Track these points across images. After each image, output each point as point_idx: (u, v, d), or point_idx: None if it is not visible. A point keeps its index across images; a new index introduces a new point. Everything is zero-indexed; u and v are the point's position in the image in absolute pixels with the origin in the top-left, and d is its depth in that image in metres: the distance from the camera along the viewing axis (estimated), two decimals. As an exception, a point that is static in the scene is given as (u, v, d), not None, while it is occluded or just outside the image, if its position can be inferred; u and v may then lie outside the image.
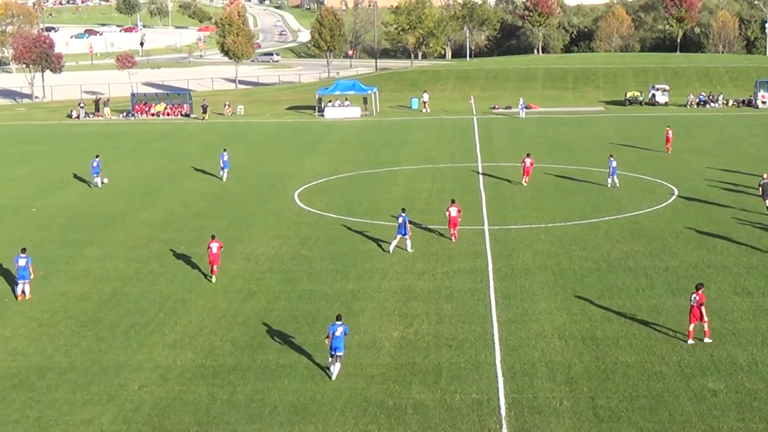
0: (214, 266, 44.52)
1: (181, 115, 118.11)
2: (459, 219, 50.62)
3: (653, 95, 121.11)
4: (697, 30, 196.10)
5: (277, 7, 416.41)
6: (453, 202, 51.42)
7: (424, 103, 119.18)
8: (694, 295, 35.26)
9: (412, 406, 30.20)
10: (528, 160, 65.82)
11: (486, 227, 53.06)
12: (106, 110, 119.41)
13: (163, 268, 46.74)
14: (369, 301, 40.65)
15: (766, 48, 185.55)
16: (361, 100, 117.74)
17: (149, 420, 29.66)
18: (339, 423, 29.14)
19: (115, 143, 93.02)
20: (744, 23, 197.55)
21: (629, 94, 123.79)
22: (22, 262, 42.38)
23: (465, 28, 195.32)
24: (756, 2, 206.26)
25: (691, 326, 35.14)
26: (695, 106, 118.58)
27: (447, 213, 50.67)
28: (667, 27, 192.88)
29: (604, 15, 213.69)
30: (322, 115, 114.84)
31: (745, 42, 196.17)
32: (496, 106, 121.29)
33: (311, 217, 57.23)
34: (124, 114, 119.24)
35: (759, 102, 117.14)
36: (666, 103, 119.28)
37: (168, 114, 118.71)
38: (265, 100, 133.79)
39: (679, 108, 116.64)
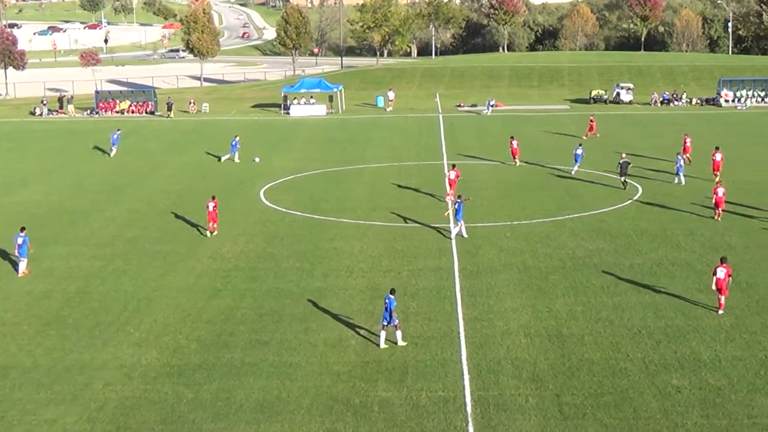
0: (212, 223, 51.58)
1: (146, 112, 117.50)
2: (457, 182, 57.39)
3: (618, 94, 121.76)
4: (661, 29, 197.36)
5: (242, 5, 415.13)
6: (453, 166, 59.45)
7: (389, 101, 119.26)
8: (720, 268, 37.52)
9: (378, 403, 30.20)
10: (515, 142, 71.81)
11: (452, 225, 53.05)
12: (70, 108, 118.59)
13: (128, 266, 46.48)
14: (335, 299, 40.60)
15: (729, 47, 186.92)
16: (326, 98, 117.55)
17: (114, 419, 29.47)
18: (305, 421, 29.09)
19: (79, 141, 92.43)
20: (707, 22, 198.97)
21: (594, 93, 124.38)
22: (19, 240, 45.26)
23: (431, 26, 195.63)
24: (719, 1, 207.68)
25: (723, 298, 37.71)
26: (659, 105, 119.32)
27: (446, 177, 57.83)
28: (631, 26, 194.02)
29: (569, 13, 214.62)
30: (288, 113, 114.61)
31: (709, 41, 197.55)
32: (462, 104, 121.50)
33: (277, 214, 57.11)
34: (88, 111, 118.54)
35: (722, 101, 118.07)
36: (630, 102, 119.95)
37: (132, 111, 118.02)
38: (231, 98, 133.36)
39: (644, 106, 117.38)
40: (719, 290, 37.84)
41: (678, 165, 63.97)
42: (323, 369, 33.00)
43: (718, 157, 63.61)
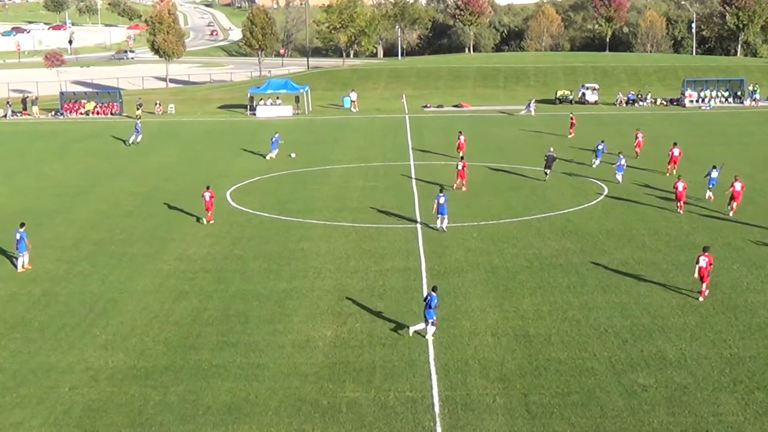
0: (209, 212, 54.81)
1: (111, 113, 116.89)
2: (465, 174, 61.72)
3: (583, 94, 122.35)
4: (625, 29, 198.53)
5: (207, 5, 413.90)
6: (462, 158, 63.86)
7: (353, 102, 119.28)
8: (703, 258, 39.28)
9: (346, 404, 30.20)
10: (462, 137, 76.13)
11: (419, 225, 53.18)
12: (35, 109, 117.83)
13: (94, 268, 46.22)
14: (302, 300, 40.56)
15: (693, 47, 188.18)
16: (293, 98, 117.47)
17: (80, 422, 29.31)
18: (273, 423, 29.05)
19: (44, 142, 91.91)
20: (671, 23, 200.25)
21: (559, 93, 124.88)
22: (17, 236, 46.25)
23: (397, 26, 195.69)
24: (683, 2, 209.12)
25: (704, 286, 39.43)
26: (624, 105, 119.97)
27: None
28: (596, 26, 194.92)
29: (535, 14, 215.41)
30: (254, 114, 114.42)
31: (673, 41, 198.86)
32: (428, 105, 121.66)
33: (244, 216, 56.97)
34: (53, 113, 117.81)
35: (686, 101, 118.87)
36: (596, 102, 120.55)
37: (98, 113, 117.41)
38: (197, 99, 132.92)
39: (609, 107, 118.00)
40: (701, 278, 39.49)
41: (619, 164, 64.60)
42: (291, 370, 32.96)
43: (676, 152, 67.17)
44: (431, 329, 35.61)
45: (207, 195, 54.98)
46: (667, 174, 66.29)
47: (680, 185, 55.69)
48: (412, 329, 36.03)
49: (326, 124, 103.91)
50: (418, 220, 54.51)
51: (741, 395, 30.36)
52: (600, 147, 71.54)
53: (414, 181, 66.90)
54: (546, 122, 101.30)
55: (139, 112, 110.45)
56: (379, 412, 29.64)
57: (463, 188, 62.82)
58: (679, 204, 55.70)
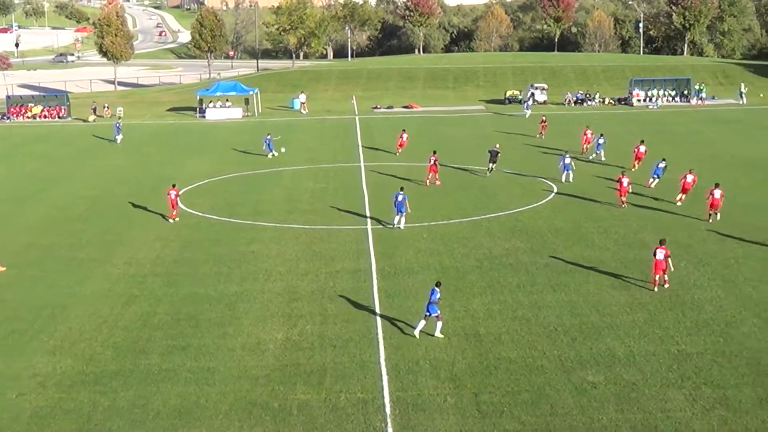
0: (173, 210, 55.40)
1: (59, 117, 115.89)
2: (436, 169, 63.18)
3: (532, 94, 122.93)
4: (573, 29, 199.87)
5: (156, 8, 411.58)
6: (434, 152, 65.40)
7: (302, 103, 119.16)
8: (659, 250, 40.36)
9: (297, 406, 30.14)
10: (405, 135, 79.35)
11: (369, 227, 53.22)
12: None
13: (43, 273, 45.79)
14: (253, 303, 40.43)
15: (640, 47, 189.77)
16: (242, 100, 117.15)
17: (28, 429, 29.01)
18: (223, 426, 28.93)
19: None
20: (619, 23, 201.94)
21: (509, 93, 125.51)
22: None
23: (346, 28, 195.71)
24: (630, 2, 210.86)
25: (657, 277, 40.69)
26: (573, 105, 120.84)
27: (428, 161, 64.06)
28: (544, 27, 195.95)
29: (484, 15, 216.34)
30: (203, 117, 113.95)
31: (620, 41, 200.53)
32: (378, 106, 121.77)
33: (194, 219, 56.69)
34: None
35: (634, 100, 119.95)
36: (545, 102, 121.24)
37: (45, 116, 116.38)
38: (145, 102, 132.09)
39: (558, 106, 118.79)
40: (657, 270, 40.71)
41: (562, 163, 65.13)
42: (241, 373, 32.85)
43: (642, 149, 69.13)
44: (439, 324, 35.74)
45: (173, 193, 55.66)
46: (632, 169, 67.36)
47: (625, 180, 56.97)
48: (417, 330, 35.91)
49: (276, 126, 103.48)
50: (369, 221, 54.53)
51: (689, 391, 30.66)
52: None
53: (364, 182, 66.94)
54: (496, 123, 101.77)
55: (120, 112, 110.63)
56: (330, 413, 29.61)
57: (437, 182, 64.61)
58: (621, 199, 56.84)
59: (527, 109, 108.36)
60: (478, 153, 75.96)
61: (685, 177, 57.00)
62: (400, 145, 79.41)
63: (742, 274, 43.18)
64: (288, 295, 41.44)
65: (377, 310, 38.95)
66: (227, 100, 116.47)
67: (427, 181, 64.74)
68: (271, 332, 36.79)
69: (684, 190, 56.87)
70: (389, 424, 28.77)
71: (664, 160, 63.22)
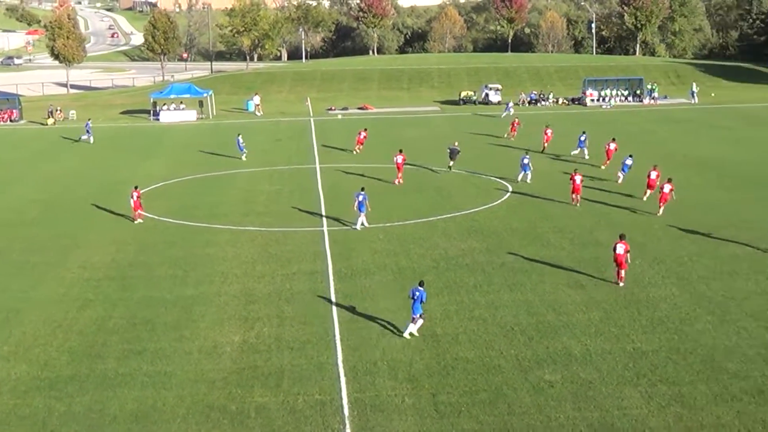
0: (137, 212, 55.73)
1: (10, 120, 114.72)
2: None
3: (486, 95, 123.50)
4: (527, 30, 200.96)
5: (108, 10, 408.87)
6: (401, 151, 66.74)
7: (257, 105, 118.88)
8: (619, 244, 41.26)
9: (254, 409, 30.04)
10: (363, 133, 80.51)
11: (325, 228, 53.18)
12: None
13: (-5, 278, 45.37)
14: (209, 306, 40.24)
15: (593, 47, 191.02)
16: (196, 103, 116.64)
17: (-17, 436, 28.77)
18: (181, 430, 28.76)
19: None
20: (571, 23, 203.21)
21: (463, 94, 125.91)
22: None
23: (300, 29, 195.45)
24: (583, 3, 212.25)
25: (623, 272, 41.39)
26: (527, 105, 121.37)
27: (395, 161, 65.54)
28: (498, 28, 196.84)
29: (437, 16, 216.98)
30: (158, 119, 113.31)
31: (573, 42, 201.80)
32: (333, 108, 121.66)
33: (148, 222, 56.33)
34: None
35: (587, 100, 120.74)
36: (499, 102, 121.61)
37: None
38: (98, 105, 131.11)
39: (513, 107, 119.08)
40: (618, 265, 41.44)
41: (523, 163, 65.40)
42: (198, 377, 32.69)
43: (613, 146, 70.70)
44: (419, 323, 35.84)
45: (135, 195, 55.86)
46: (603, 167, 69.40)
47: (578, 178, 57.55)
48: (407, 332, 35.95)
49: (231, 128, 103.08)
50: (325, 222, 54.49)
51: (644, 388, 30.89)
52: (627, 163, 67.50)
53: (320, 183, 66.88)
54: (451, 124, 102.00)
55: (73, 115, 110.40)
56: (288, 416, 29.54)
57: (399, 181, 65.75)
58: (573, 196, 57.50)
59: (507, 110, 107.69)
60: (435, 153, 76.10)
61: (649, 174, 58.29)
62: (360, 143, 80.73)
63: (695, 272, 43.59)
64: (244, 297, 41.30)
65: (334, 312, 38.92)
66: (181, 102, 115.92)
67: (397, 180, 65.68)
68: (228, 335, 36.65)
69: (650, 186, 58.01)
70: (347, 426, 28.75)
71: (631, 156, 64.91)
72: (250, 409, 30.05)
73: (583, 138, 75.74)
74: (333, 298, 40.70)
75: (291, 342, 35.71)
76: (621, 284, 41.33)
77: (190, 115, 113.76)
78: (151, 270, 46.03)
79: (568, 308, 38.86)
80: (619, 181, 63.49)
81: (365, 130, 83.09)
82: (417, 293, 35.67)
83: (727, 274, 43.31)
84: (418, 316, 35.59)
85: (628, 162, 64.24)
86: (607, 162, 69.80)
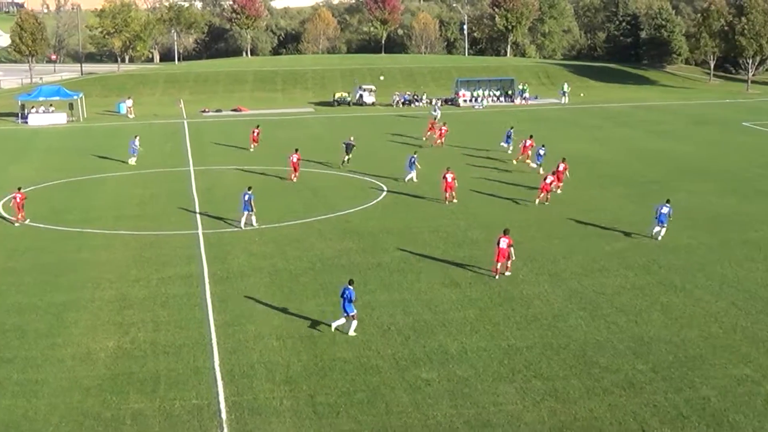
0: (20, 213, 55.46)
1: None
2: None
3: (360, 96, 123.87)
4: (400, 32, 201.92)
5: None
6: (296, 150, 67.91)
7: (129, 108, 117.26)
8: (503, 239, 42.60)
9: (130, 416, 29.60)
10: (257, 131, 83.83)
11: (200, 231, 52.71)
12: None
13: None
14: (82, 312, 39.49)
15: (465, 48, 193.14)
16: (66, 105, 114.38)
17: None
18: (54, 439, 28.25)
19: None
20: (444, 25, 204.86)
21: (337, 95, 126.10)
22: None
23: (172, 31, 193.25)
24: (454, 5, 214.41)
25: (499, 265, 42.84)
26: (401, 106, 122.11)
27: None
28: (371, 29, 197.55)
29: (311, 17, 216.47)
30: (26, 122, 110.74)
31: (446, 43, 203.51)
32: (206, 110, 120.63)
33: (17, 227, 55.02)
34: None
35: (460, 100, 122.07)
36: (373, 103, 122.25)
37: None
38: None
39: (386, 107, 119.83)
40: (499, 258, 42.89)
41: (409, 162, 65.82)
42: (72, 384, 32.07)
43: (529, 143, 73.65)
44: (354, 324, 35.93)
45: (18, 197, 55.69)
46: (515, 162, 73.21)
47: (449, 176, 58.58)
48: (334, 325, 36.19)
49: (103, 131, 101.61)
50: (200, 225, 54.02)
51: (519, 384, 31.38)
52: (541, 152, 70.27)
53: (194, 185, 66.25)
54: (325, 125, 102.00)
55: None
56: (164, 422, 29.19)
57: (294, 178, 66.72)
58: (446, 195, 58.64)
59: (436, 111, 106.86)
60: (309, 155, 75.97)
61: (558, 166, 61.92)
62: (254, 141, 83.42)
63: (567, 269, 44.46)
64: (119, 302, 40.67)
65: (210, 315, 38.62)
66: (50, 105, 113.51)
67: (293, 177, 66.77)
68: (102, 341, 36.03)
69: (559, 179, 60.95)
70: (225, 430, 28.55)
71: (543, 146, 69.90)
72: (126, 416, 29.61)
73: (542, 152, 71.76)
74: (209, 302, 40.37)
75: (167, 347, 35.30)
76: (497, 277, 42.62)
77: (60, 118, 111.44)
78: (20, 276, 44.94)
79: (443, 307, 39.24)
80: (540, 170, 66.30)
81: (257, 127, 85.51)
82: (347, 292, 35.89)
83: (597, 270, 44.30)
84: (351, 315, 35.86)
85: (542, 152, 68.72)
86: (520, 156, 73.36)
